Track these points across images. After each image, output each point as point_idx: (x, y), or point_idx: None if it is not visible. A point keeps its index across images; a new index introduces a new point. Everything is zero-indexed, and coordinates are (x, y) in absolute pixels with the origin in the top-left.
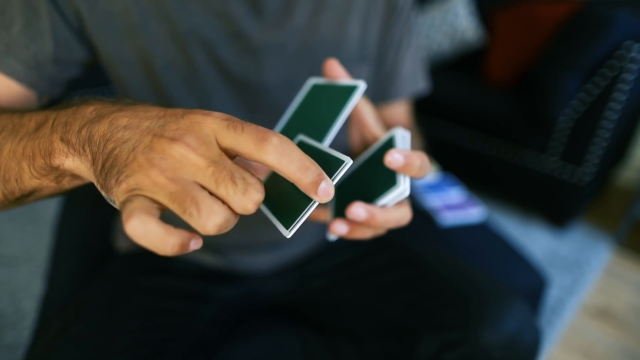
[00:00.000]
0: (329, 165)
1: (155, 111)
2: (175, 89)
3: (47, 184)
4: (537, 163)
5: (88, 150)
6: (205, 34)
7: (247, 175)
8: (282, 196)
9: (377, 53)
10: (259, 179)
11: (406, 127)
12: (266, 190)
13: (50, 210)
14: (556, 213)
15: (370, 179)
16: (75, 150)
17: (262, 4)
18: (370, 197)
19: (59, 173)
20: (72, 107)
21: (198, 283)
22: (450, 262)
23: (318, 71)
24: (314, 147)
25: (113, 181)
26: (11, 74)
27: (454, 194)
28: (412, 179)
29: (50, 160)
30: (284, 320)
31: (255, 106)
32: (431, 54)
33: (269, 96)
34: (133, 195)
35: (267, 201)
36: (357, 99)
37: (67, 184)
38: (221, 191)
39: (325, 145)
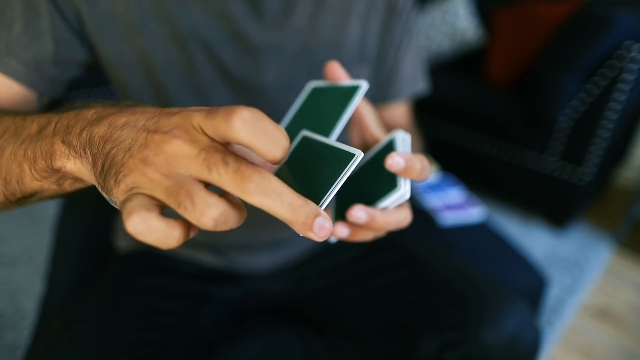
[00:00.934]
0: (338, 159)
1: (152, 109)
2: (175, 90)
3: (49, 186)
4: (537, 163)
5: (89, 152)
6: (205, 34)
7: (242, 160)
8: (297, 183)
9: (377, 54)
10: (258, 167)
11: (406, 128)
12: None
13: (50, 210)
14: (556, 213)
15: (371, 182)
16: (76, 152)
17: (262, 5)
18: (370, 200)
19: (61, 175)
20: (75, 110)
21: (198, 283)
22: (450, 262)
23: (318, 72)
24: (320, 142)
25: (112, 182)
26: (11, 74)
27: (454, 194)
28: (412, 182)
29: (51, 163)
30: (284, 320)
31: (254, 107)
32: (431, 54)
33: (268, 97)
34: (132, 194)
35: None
36: (359, 99)
37: (68, 186)
38: (214, 175)
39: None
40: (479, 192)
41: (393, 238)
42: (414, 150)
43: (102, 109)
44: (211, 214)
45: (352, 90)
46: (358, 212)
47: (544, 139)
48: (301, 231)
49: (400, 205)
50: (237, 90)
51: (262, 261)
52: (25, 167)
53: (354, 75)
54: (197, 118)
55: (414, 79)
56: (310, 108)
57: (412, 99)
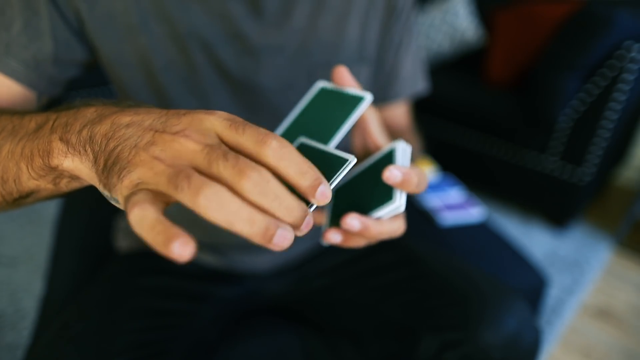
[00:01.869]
0: (332, 164)
1: (157, 110)
2: (175, 90)
3: (45, 185)
4: (537, 163)
5: (89, 150)
6: (204, 34)
7: (243, 157)
8: None
9: (376, 54)
10: (258, 166)
11: (405, 128)
12: None
13: (50, 210)
14: (556, 213)
15: (367, 190)
16: (75, 150)
17: (262, 5)
18: (365, 208)
19: (57, 174)
20: (73, 109)
21: (198, 283)
22: (450, 262)
23: (317, 72)
24: (316, 148)
25: (116, 178)
26: (11, 74)
27: (454, 194)
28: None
29: (48, 160)
30: (284, 320)
31: (254, 107)
32: (431, 54)
33: (268, 97)
34: (137, 189)
35: None
36: (362, 111)
37: (64, 186)
38: (213, 168)
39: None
40: (479, 192)
41: (393, 238)
42: (413, 151)
43: (103, 107)
44: (206, 192)
45: (357, 100)
46: (352, 221)
47: (543, 139)
48: (296, 232)
49: (394, 216)
50: (237, 90)
51: (262, 261)
52: (23, 165)
53: (353, 75)
54: (215, 122)
55: (414, 79)
56: (315, 109)
57: (412, 98)
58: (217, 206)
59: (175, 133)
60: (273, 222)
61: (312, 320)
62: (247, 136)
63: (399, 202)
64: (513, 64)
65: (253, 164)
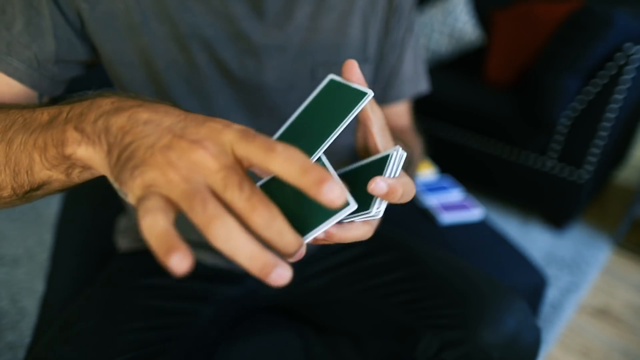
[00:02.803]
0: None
1: (176, 112)
2: (177, 90)
3: (57, 176)
4: (536, 163)
5: (104, 140)
6: (206, 34)
7: (256, 190)
8: (296, 206)
9: (378, 54)
10: (269, 202)
11: (406, 128)
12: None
13: (51, 209)
14: (555, 213)
15: (350, 190)
16: (89, 139)
17: (263, 5)
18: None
19: (70, 163)
20: (87, 100)
21: (198, 283)
22: (450, 262)
23: (319, 72)
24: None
25: (128, 174)
26: (12, 73)
27: (452, 196)
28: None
29: (62, 149)
30: (284, 320)
31: (256, 107)
32: (430, 54)
33: (269, 97)
34: (150, 192)
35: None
36: (362, 106)
37: (76, 176)
38: (227, 195)
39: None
40: (478, 193)
41: (393, 237)
42: (416, 153)
43: (120, 100)
44: (217, 223)
45: (358, 96)
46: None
47: (543, 140)
48: (288, 259)
49: (366, 221)
50: (238, 90)
51: None
52: (36, 155)
53: None
54: (230, 136)
55: (416, 79)
56: (322, 100)
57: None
58: (225, 238)
59: (193, 142)
60: (271, 261)
61: (312, 320)
62: (257, 144)
63: (375, 212)
64: (512, 65)
65: (265, 200)
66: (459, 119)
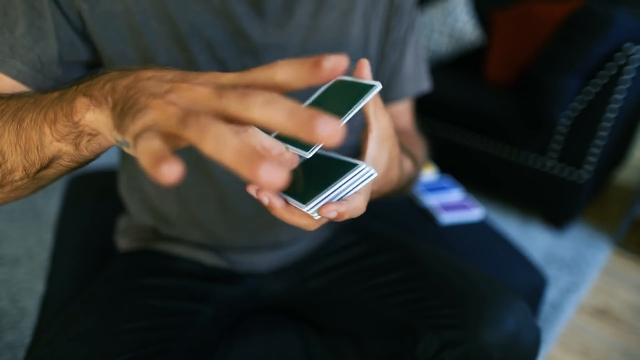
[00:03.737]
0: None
1: (179, 71)
2: None
3: (66, 148)
4: (536, 163)
5: (110, 99)
6: (206, 33)
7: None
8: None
9: (379, 53)
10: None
11: (408, 127)
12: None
13: (51, 209)
14: (555, 213)
15: (306, 178)
16: (97, 101)
17: (264, 4)
18: (289, 192)
19: (79, 132)
20: (98, 75)
21: (199, 282)
22: (450, 262)
23: None
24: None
25: (130, 119)
26: (16, 75)
27: (452, 196)
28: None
29: (72, 116)
30: (284, 320)
31: None
32: (430, 54)
33: None
34: (148, 130)
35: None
36: (370, 98)
37: (84, 148)
38: (223, 101)
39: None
40: (478, 193)
41: (393, 237)
42: (415, 152)
43: (127, 67)
44: (213, 130)
45: (366, 88)
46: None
47: (542, 140)
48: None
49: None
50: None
51: (262, 261)
52: (46, 128)
53: None
54: (230, 77)
55: (417, 78)
56: (329, 94)
57: (415, 97)
58: (215, 141)
59: (195, 84)
60: (259, 157)
61: (312, 320)
62: (253, 75)
63: (308, 210)
64: (512, 65)
65: (259, 90)
66: (459, 119)
